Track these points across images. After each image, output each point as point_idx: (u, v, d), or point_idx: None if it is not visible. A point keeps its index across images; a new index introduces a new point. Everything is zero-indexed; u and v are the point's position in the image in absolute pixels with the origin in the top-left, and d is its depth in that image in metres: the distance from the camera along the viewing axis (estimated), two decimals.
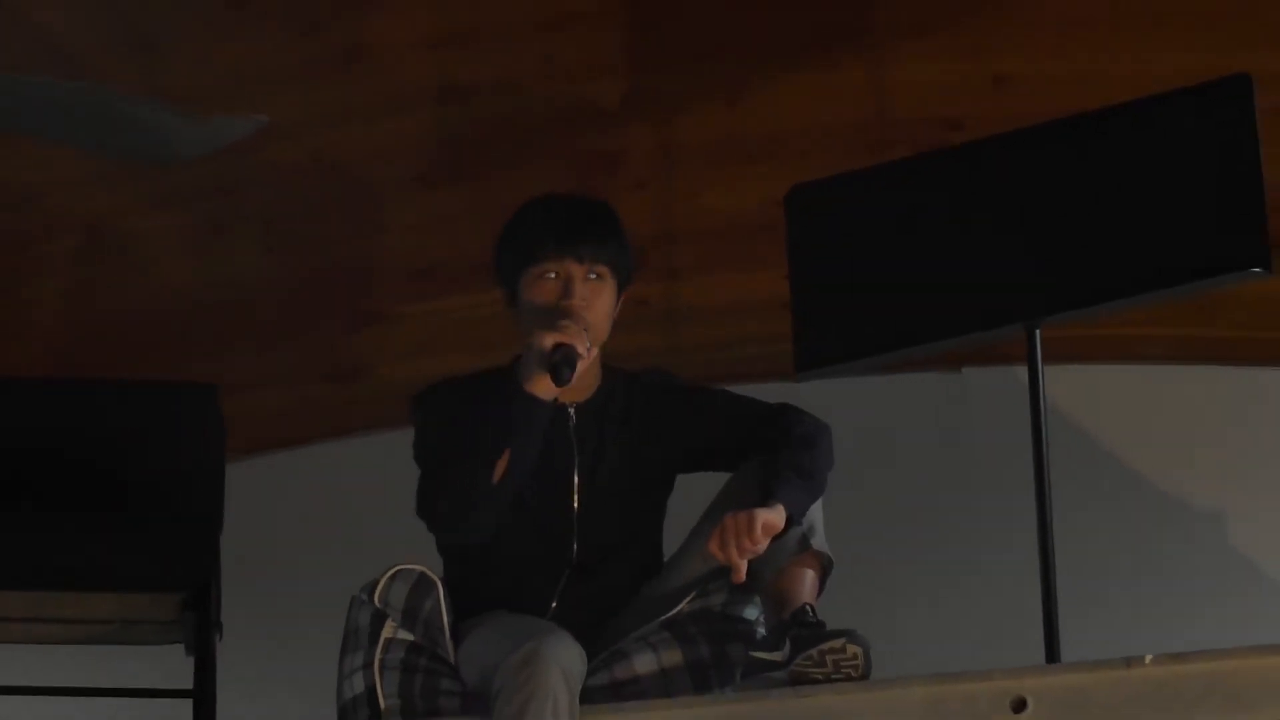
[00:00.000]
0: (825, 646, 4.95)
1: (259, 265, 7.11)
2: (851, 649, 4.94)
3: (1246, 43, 6.08)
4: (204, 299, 7.08)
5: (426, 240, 6.84)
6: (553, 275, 5.24)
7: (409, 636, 5.15)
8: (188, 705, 5.91)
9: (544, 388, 5.11)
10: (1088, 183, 5.65)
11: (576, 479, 5.26)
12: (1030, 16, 6.61)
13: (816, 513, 5.16)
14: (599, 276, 5.26)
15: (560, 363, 5.06)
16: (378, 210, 7.06)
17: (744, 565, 4.98)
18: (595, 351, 5.23)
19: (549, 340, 5.09)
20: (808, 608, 5.06)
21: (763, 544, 4.97)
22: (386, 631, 5.16)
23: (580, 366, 5.13)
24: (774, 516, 5.00)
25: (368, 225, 7.06)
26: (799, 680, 4.96)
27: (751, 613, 5.21)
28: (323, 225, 7.10)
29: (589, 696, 4.97)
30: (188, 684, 5.93)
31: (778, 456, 5.15)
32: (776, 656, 5.04)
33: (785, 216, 5.85)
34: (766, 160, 6.29)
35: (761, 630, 5.17)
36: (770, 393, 5.39)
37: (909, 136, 6.26)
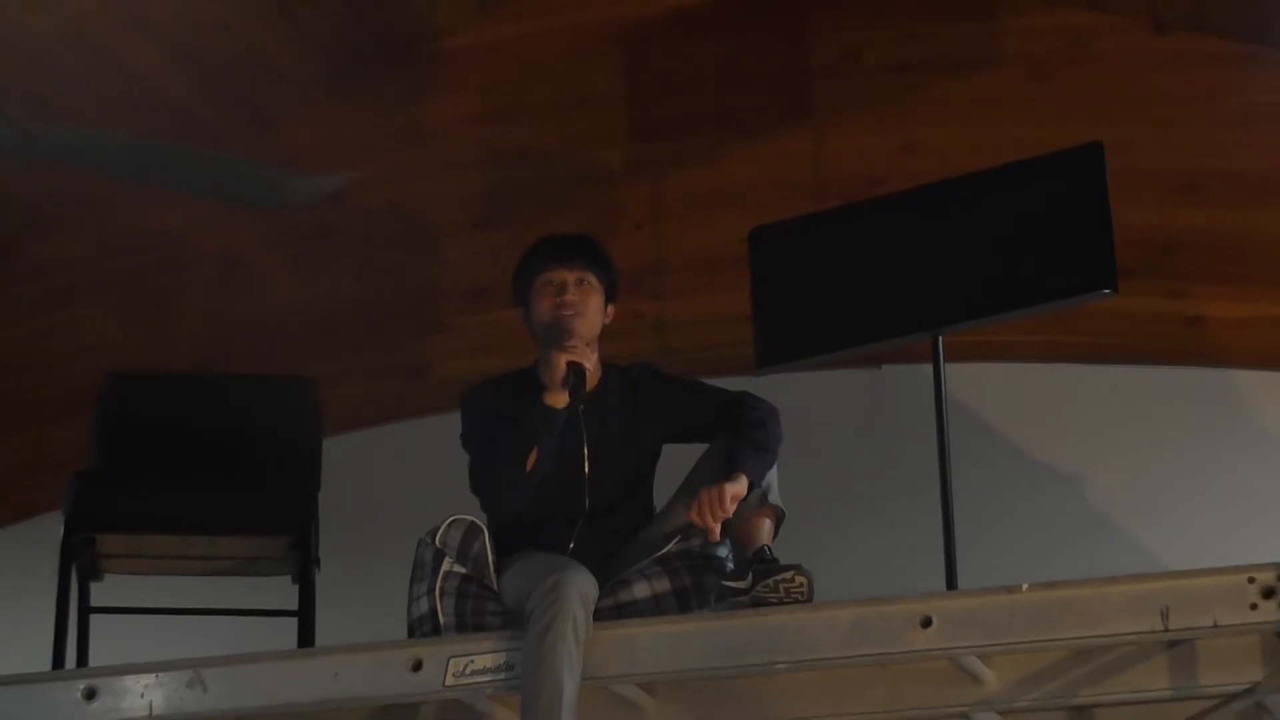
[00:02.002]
0: (779, 577, 4.98)
1: (348, 287, 7.11)
2: (799, 579, 4.96)
3: (1099, 120, 6.08)
4: (306, 313, 7.08)
5: (477, 268, 6.83)
6: (550, 282, 5.26)
7: (462, 570, 5.15)
8: (293, 622, 5.92)
9: (560, 401, 5.15)
10: (979, 224, 5.66)
11: (586, 450, 5.25)
12: (933, 99, 6.64)
13: (772, 475, 5.18)
14: (587, 283, 5.28)
15: (575, 384, 5.12)
16: (439, 246, 7.05)
17: (718, 528, 5.01)
18: (595, 357, 5.26)
19: (562, 362, 5.15)
20: (766, 548, 5.09)
21: (731, 510, 5.01)
22: (445, 566, 5.16)
23: (588, 368, 5.18)
24: (738, 487, 5.03)
25: (432, 257, 7.06)
26: (759, 603, 4.97)
27: (723, 551, 5.13)
28: (397, 257, 7.10)
29: (599, 615, 4.96)
30: (293, 606, 5.94)
31: (739, 435, 5.18)
32: (742, 585, 5.04)
33: (749, 251, 5.86)
34: (734, 208, 6.29)
35: (730, 565, 5.11)
36: (734, 384, 5.40)
37: (842, 190, 6.26)
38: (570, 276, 5.28)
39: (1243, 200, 6.45)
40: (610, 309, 5.38)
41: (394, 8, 6.87)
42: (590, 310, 5.29)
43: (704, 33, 6.85)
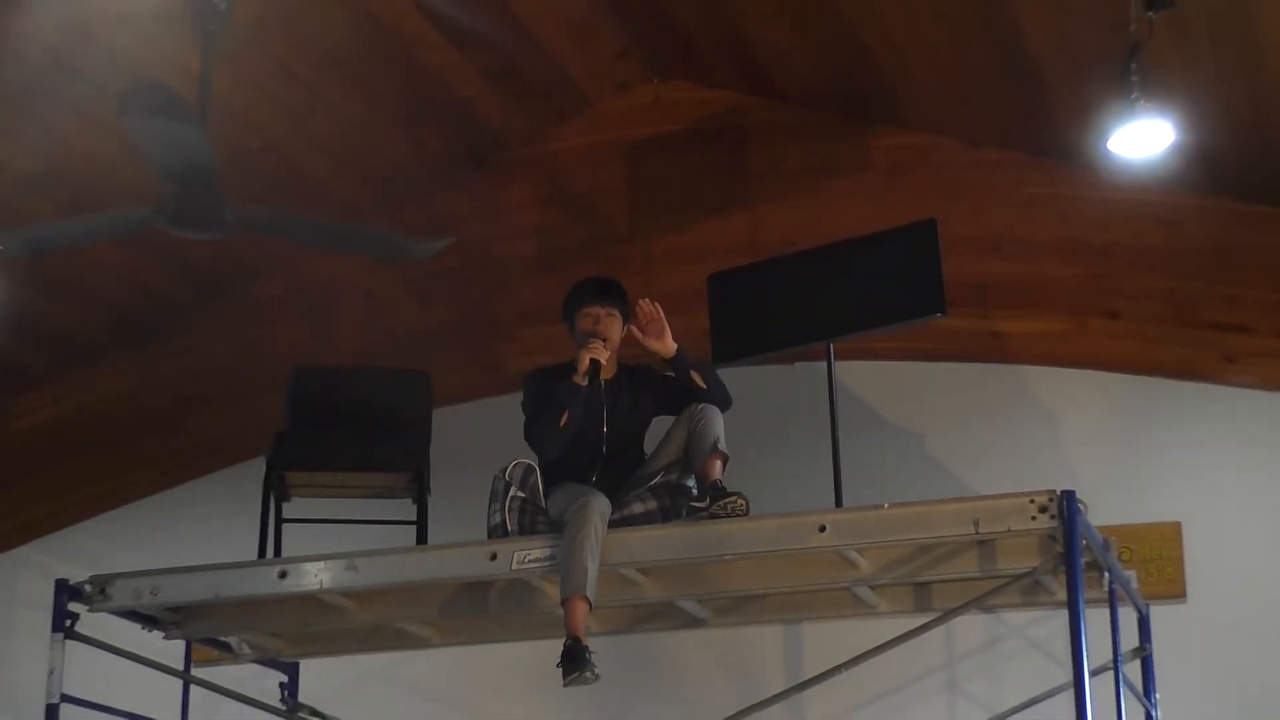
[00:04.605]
0: (727, 499, 4.97)
1: (450, 311, 7.04)
2: (740, 501, 4.96)
3: (934, 204, 5.97)
4: (422, 328, 7.01)
5: (534, 299, 6.78)
6: (589, 314, 5.26)
7: (522, 495, 5.15)
8: (412, 529, 5.91)
9: (582, 381, 5.15)
10: (857, 270, 5.65)
11: (605, 415, 5.25)
12: (828, 190, 6.58)
13: (721, 429, 5.15)
14: (613, 315, 5.30)
15: (593, 373, 5.16)
16: (509, 284, 6.98)
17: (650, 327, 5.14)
18: (612, 355, 5.25)
19: (586, 357, 5.16)
20: (718, 481, 5.06)
21: (656, 317, 5.16)
22: (511, 492, 5.16)
23: (603, 363, 5.18)
24: (669, 340, 5.18)
25: (504, 291, 6.99)
26: (714, 517, 4.96)
27: (691, 482, 5.18)
28: (482, 291, 7.03)
29: (611, 525, 4.96)
30: (413, 518, 5.93)
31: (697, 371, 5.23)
32: (703, 505, 5.03)
33: (708, 289, 5.85)
34: (699, 261, 6.21)
35: (695, 491, 5.14)
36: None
37: (768, 250, 6.16)
38: (602, 311, 5.28)
39: (1027, 256, 6.40)
40: (625, 327, 5.38)
41: (481, 130, 6.82)
42: (613, 334, 5.29)
43: (680, 148, 6.81)
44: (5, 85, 5.29)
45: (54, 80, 5.40)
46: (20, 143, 5.73)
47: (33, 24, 4.62)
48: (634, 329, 5.17)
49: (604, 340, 5.21)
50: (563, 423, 5.13)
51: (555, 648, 4.85)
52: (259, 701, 5.73)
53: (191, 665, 5.73)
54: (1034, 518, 4.61)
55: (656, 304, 5.20)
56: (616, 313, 5.30)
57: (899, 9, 5.81)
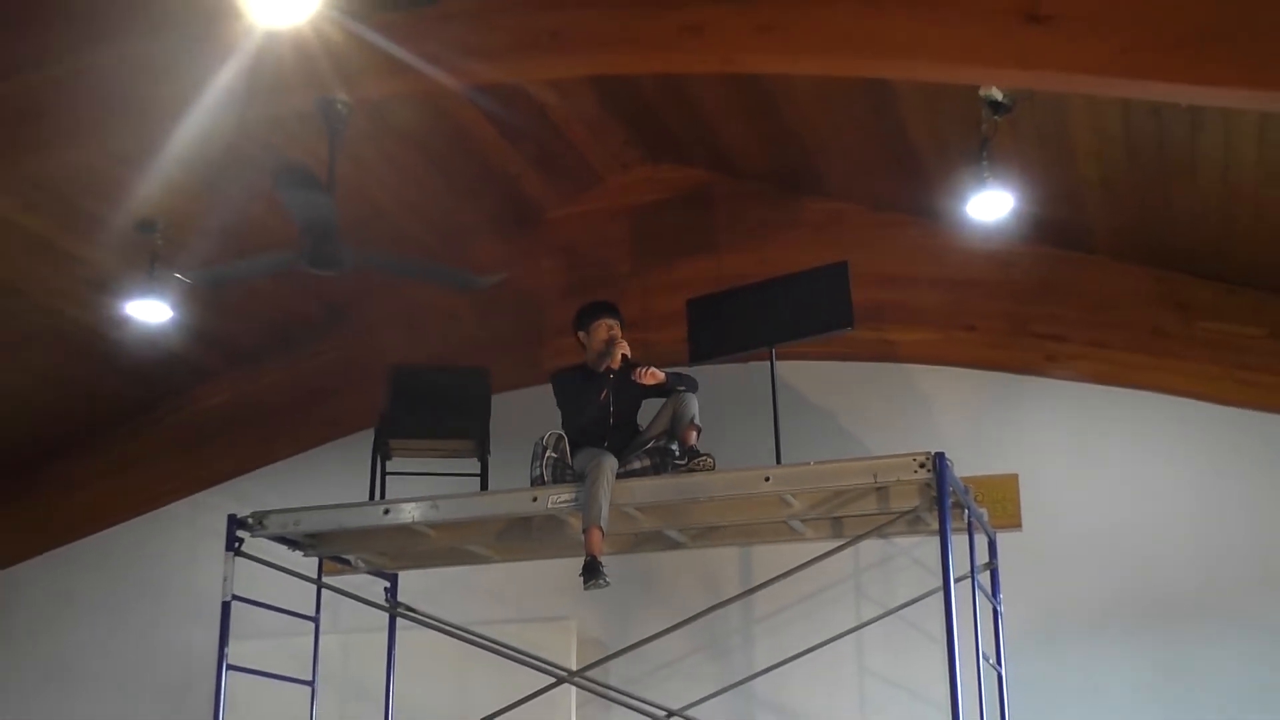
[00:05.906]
0: (699, 458, 5.02)
1: (503, 325, 7.00)
2: (709, 459, 5.01)
3: (847, 250, 5.98)
4: (482, 337, 6.98)
5: (562, 317, 6.61)
6: (606, 324, 5.29)
7: (555, 455, 5.17)
8: (476, 480, 5.92)
9: (617, 364, 5.15)
10: (792, 295, 5.66)
11: (611, 398, 5.25)
12: (773, 240, 6.57)
13: (696, 409, 5.16)
14: (620, 325, 5.33)
15: (623, 366, 5.16)
16: (544, 307, 6.95)
17: (647, 375, 5.07)
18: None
19: (619, 353, 5.17)
20: (694, 445, 5.09)
21: (653, 373, 5.08)
22: (547, 453, 5.18)
23: (629, 356, 5.20)
24: (659, 374, 5.11)
25: (541, 312, 6.96)
26: (690, 471, 5.01)
27: (675, 446, 5.18)
28: (525, 311, 6.99)
29: (617, 478, 4.99)
30: (477, 472, 5.96)
31: (680, 378, 5.23)
32: (682, 463, 5.06)
33: (686, 311, 5.89)
34: (679, 290, 6.25)
35: (677, 453, 5.16)
36: (680, 369, 5.40)
37: (729, 282, 6.15)
38: (615, 323, 5.32)
39: (911, 287, 6.42)
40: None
41: (525, 198, 6.81)
42: (621, 339, 5.33)
43: (666, 211, 6.80)
44: (197, 169, 5.41)
45: (228, 163, 5.49)
46: (206, 207, 5.81)
47: (215, 128, 4.74)
48: (635, 379, 5.15)
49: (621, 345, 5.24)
50: (599, 397, 5.13)
51: (579, 563, 4.92)
52: (370, 600, 5.77)
53: (322, 575, 5.77)
54: (916, 471, 4.71)
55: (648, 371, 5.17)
56: (619, 324, 5.36)
57: (823, 113, 5.88)
